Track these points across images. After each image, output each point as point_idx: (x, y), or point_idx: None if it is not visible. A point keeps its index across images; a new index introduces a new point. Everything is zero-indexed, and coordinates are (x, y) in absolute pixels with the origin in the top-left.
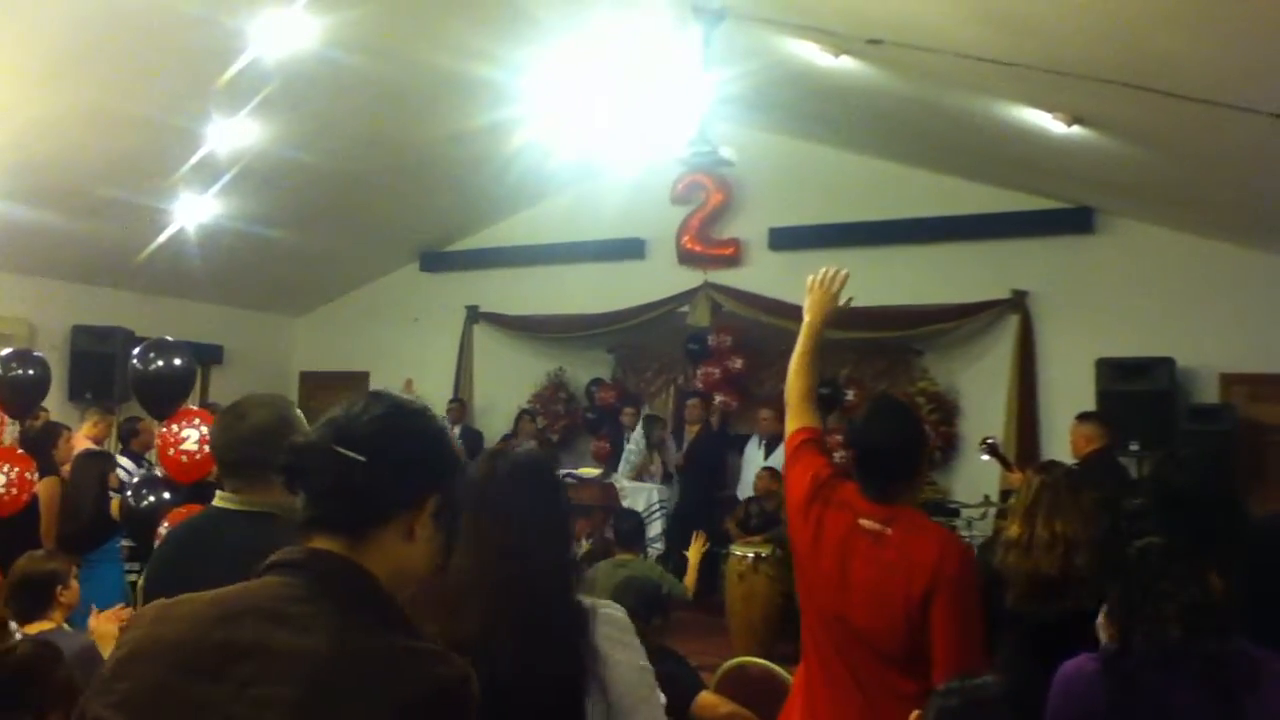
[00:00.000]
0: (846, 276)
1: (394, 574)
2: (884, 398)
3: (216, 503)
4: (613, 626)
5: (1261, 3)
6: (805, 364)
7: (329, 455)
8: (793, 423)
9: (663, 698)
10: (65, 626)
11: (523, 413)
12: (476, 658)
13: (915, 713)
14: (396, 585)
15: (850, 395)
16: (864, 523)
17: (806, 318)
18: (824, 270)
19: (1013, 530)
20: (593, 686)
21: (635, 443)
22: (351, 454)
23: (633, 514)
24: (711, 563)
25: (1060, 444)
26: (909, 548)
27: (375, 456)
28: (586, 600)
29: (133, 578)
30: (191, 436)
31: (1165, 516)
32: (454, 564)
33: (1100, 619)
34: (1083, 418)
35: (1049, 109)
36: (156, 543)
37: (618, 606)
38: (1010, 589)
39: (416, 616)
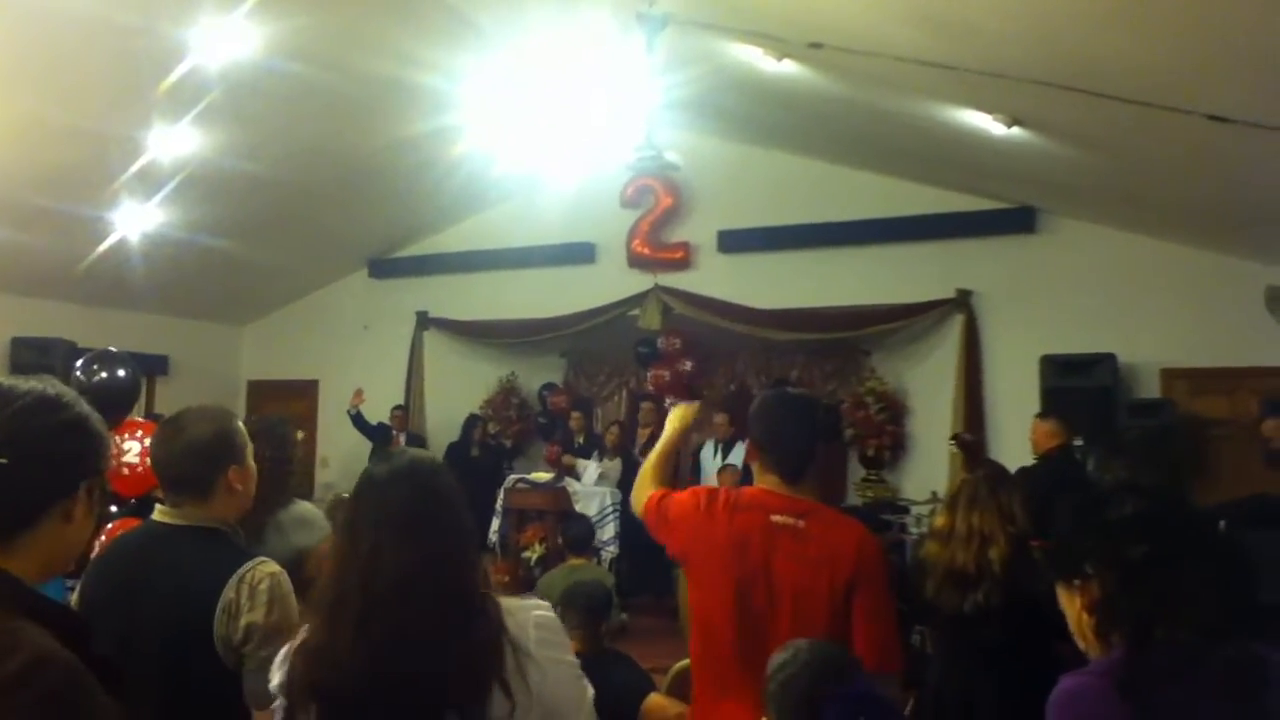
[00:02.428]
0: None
1: (50, 560)
2: (778, 391)
3: (156, 517)
4: (541, 628)
5: (1196, 7)
6: (662, 463)
7: None
8: (646, 491)
9: (591, 691)
10: None
11: (471, 418)
12: (343, 665)
13: None
14: (58, 566)
15: None
16: (776, 519)
17: (668, 428)
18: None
19: (939, 521)
20: (518, 688)
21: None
22: None
23: (582, 519)
24: (665, 566)
25: (1006, 440)
26: (829, 540)
27: (16, 458)
28: (508, 601)
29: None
30: (134, 449)
31: (1165, 524)
32: (329, 572)
33: (1076, 627)
34: (1043, 415)
35: (989, 110)
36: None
37: (546, 606)
38: (930, 579)
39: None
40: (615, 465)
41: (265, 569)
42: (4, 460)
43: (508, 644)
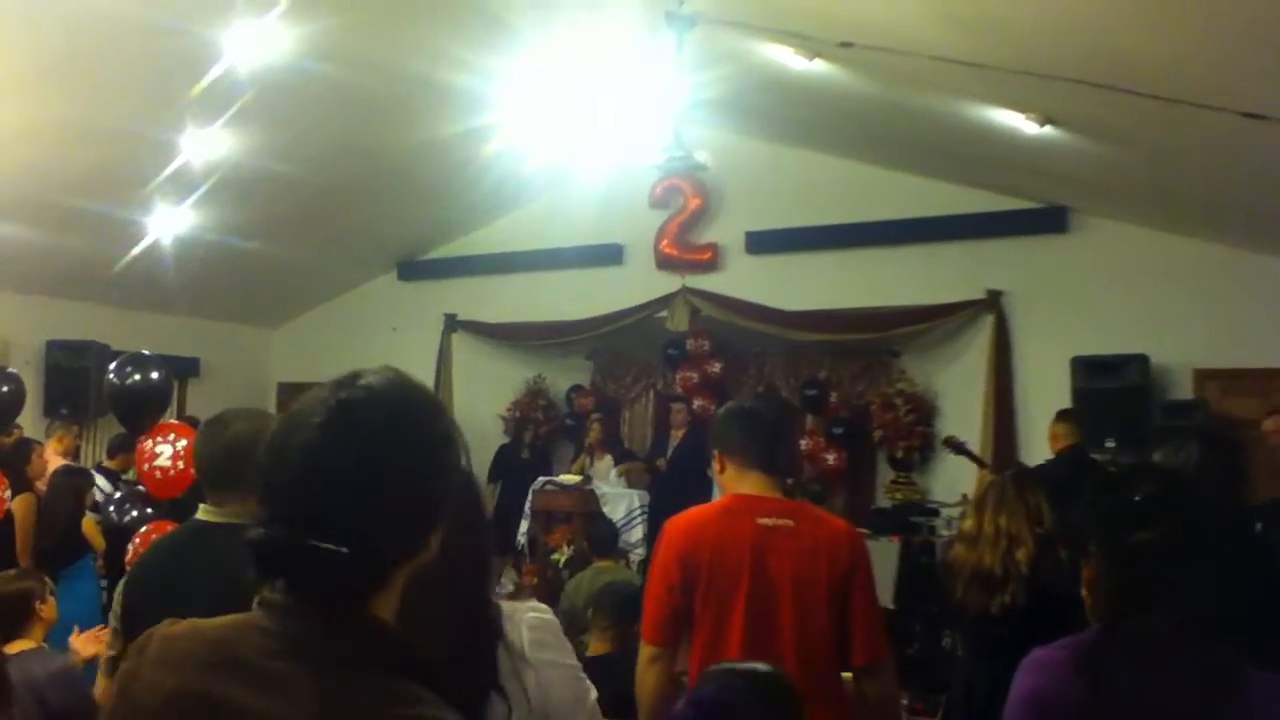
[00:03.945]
0: None
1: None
2: (737, 403)
3: (200, 515)
4: (538, 631)
5: (1227, 2)
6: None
7: (301, 550)
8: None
9: (594, 693)
10: (45, 645)
11: (522, 420)
12: None
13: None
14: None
15: (833, 398)
16: (763, 520)
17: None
18: None
19: (967, 524)
20: (514, 692)
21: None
22: (329, 545)
23: (605, 521)
24: None
25: (1038, 442)
26: (821, 534)
27: (359, 538)
28: (505, 605)
29: (107, 596)
30: (165, 452)
31: (1171, 512)
32: None
33: (1086, 603)
34: (1058, 416)
35: (1020, 109)
36: (127, 558)
37: (543, 609)
38: (958, 581)
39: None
40: (637, 467)
41: None
42: (343, 550)
43: (502, 648)
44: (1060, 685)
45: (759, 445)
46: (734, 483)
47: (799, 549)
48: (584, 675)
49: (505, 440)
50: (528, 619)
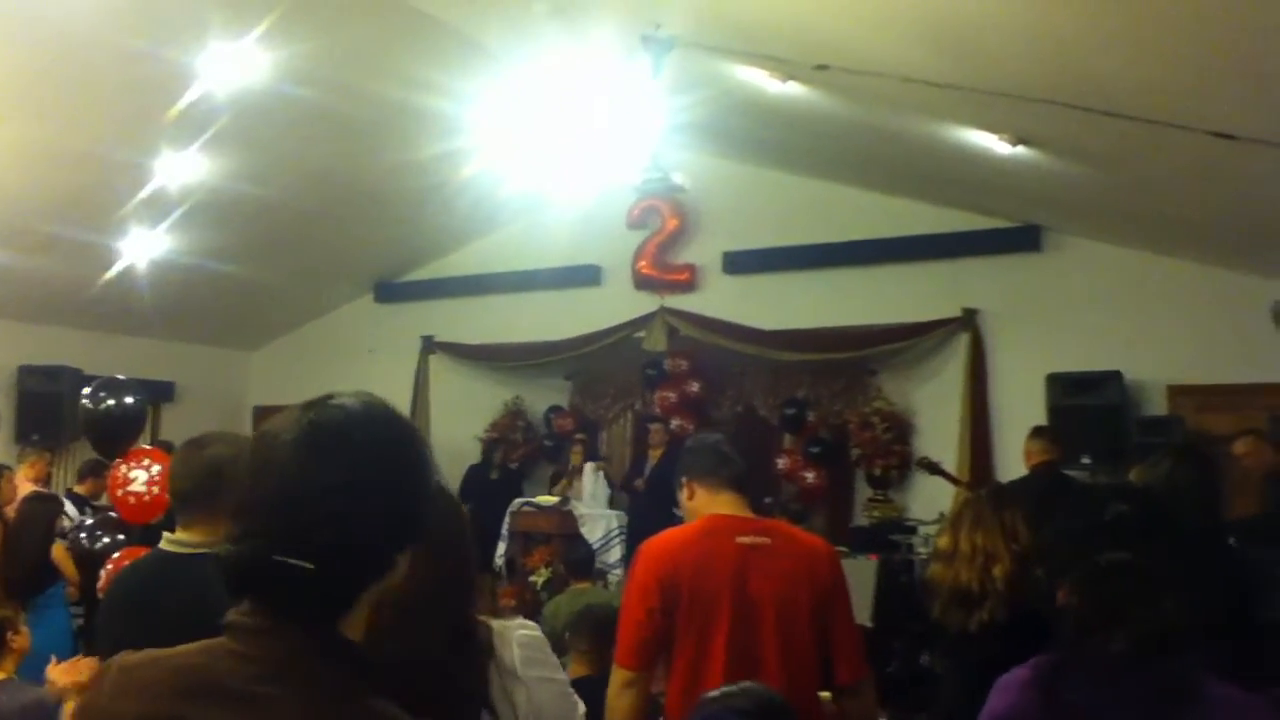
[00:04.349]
0: None
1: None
2: (704, 434)
3: (164, 546)
4: (528, 648)
5: (1198, 26)
6: None
7: (268, 567)
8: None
9: (582, 708)
10: (16, 677)
11: (492, 441)
12: None
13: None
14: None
15: (811, 417)
16: (742, 539)
17: None
18: None
19: (942, 542)
20: (503, 710)
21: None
22: (297, 562)
23: (582, 543)
24: None
25: (1014, 459)
26: (800, 553)
27: (326, 556)
28: (495, 623)
29: (79, 621)
30: (140, 477)
31: (1143, 531)
32: None
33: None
34: (1032, 433)
35: (993, 130)
36: (99, 585)
37: (532, 626)
38: (935, 599)
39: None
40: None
41: None
42: (309, 566)
43: (493, 667)
44: (1023, 705)
45: (727, 466)
46: (706, 506)
47: (780, 568)
48: (572, 691)
49: (476, 460)
50: (518, 636)
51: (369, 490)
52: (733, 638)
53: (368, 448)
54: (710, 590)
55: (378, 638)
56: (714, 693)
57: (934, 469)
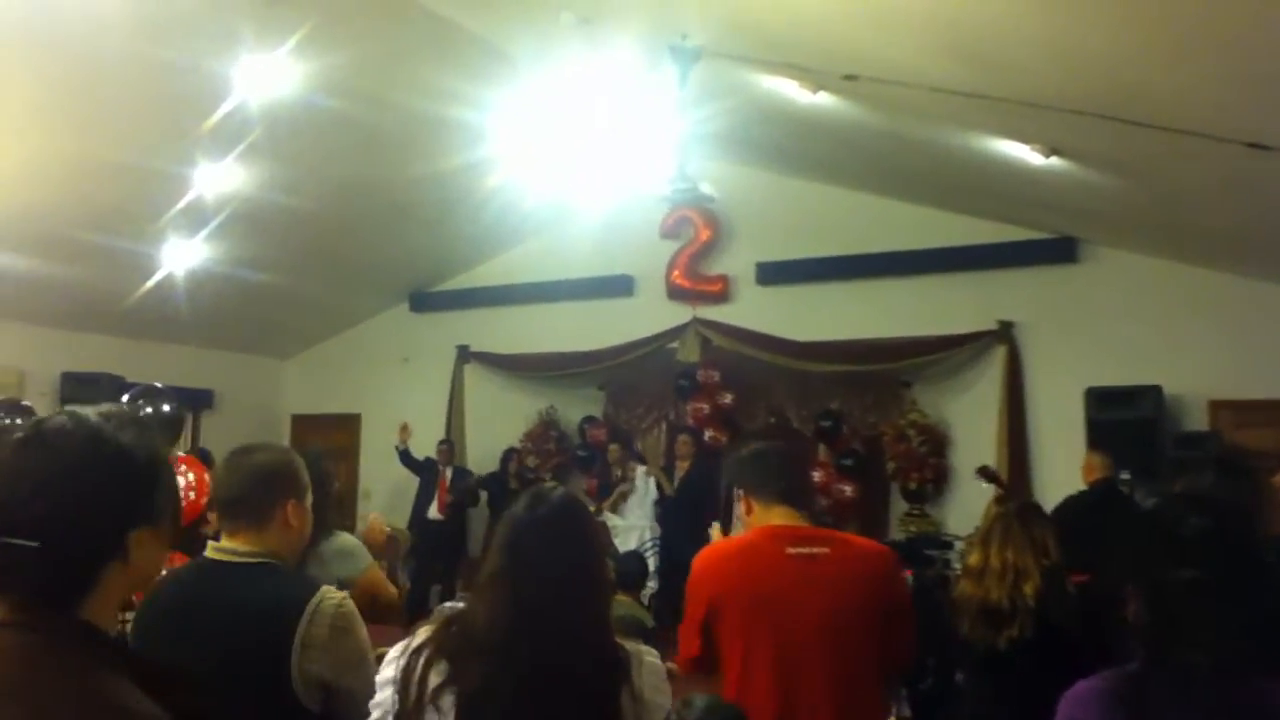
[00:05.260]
0: None
1: (123, 593)
2: (757, 441)
3: (210, 554)
4: (654, 674)
5: (1231, 35)
6: None
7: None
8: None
9: None
10: None
11: (508, 451)
12: (481, 707)
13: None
14: (133, 592)
15: (844, 429)
16: (795, 550)
17: None
18: None
19: (972, 559)
20: None
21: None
22: (19, 541)
23: (637, 557)
24: None
25: (1051, 473)
26: (860, 560)
27: (48, 534)
28: (626, 645)
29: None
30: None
31: (1221, 547)
32: (470, 610)
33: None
34: (1090, 447)
35: (1026, 140)
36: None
37: (654, 654)
38: (964, 617)
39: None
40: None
41: (333, 598)
42: (33, 545)
43: (627, 693)
44: (1097, 717)
45: (779, 478)
46: (761, 518)
47: (835, 579)
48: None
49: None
50: (646, 663)
51: (83, 476)
52: (780, 651)
53: (82, 443)
54: (756, 603)
55: (523, 667)
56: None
57: (994, 479)
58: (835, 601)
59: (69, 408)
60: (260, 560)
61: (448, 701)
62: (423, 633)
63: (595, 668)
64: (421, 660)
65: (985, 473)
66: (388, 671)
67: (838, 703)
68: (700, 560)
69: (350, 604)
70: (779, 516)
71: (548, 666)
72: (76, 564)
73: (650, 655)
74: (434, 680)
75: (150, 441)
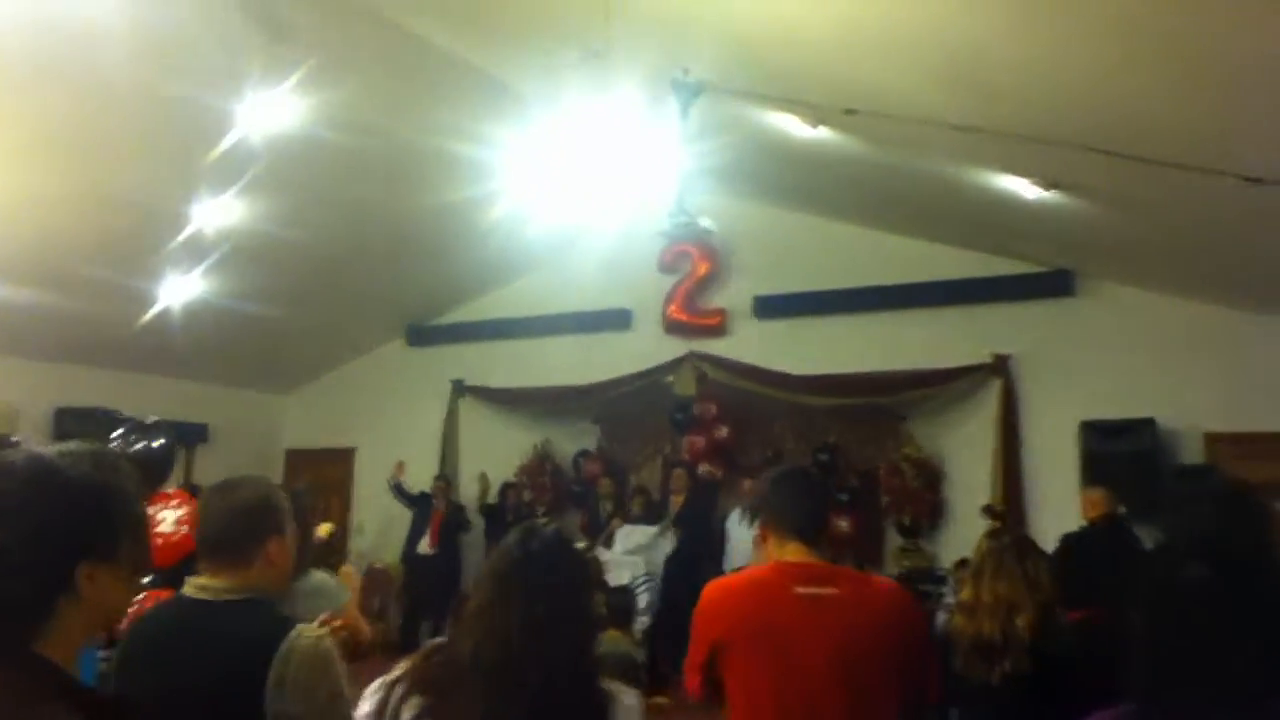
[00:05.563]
0: None
1: (84, 630)
2: (786, 467)
3: (189, 592)
4: (633, 714)
5: (1228, 71)
6: None
7: None
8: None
9: None
10: None
11: (506, 485)
12: None
13: None
14: (100, 628)
15: (840, 464)
16: (803, 590)
17: None
18: None
19: (965, 594)
20: None
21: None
22: None
23: (626, 593)
24: None
25: (1046, 507)
26: (872, 600)
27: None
28: (606, 686)
29: (104, 666)
30: (168, 518)
31: (1225, 591)
32: (455, 643)
33: None
34: (1089, 484)
35: (1024, 174)
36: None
37: (633, 694)
38: (958, 652)
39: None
40: (649, 532)
41: (309, 636)
42: None
43: None
44: None
45: (796, 512)
46: (776, 552)
47: (844, 620)
48: None
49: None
50: (624, 704)
51: (22, 514)
52: (786, 694)
53: (22, 485)
54: (760, 643)
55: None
56: None
57: (998, 517)
58: (846, 644)
59: (26, 444)
60: (238, 598)
61: None
62: (401, 666)
63: (577, 706)
64: (397, 694)
65: (990, 511)
66: (365, 706)
67: None
68: (707, 595)
69: (327, 642)
70: (792, 553)
71: (530, 702)
72: (21, 598)
73: (629, 696)
74: (408, 714)
75: (108, 477)
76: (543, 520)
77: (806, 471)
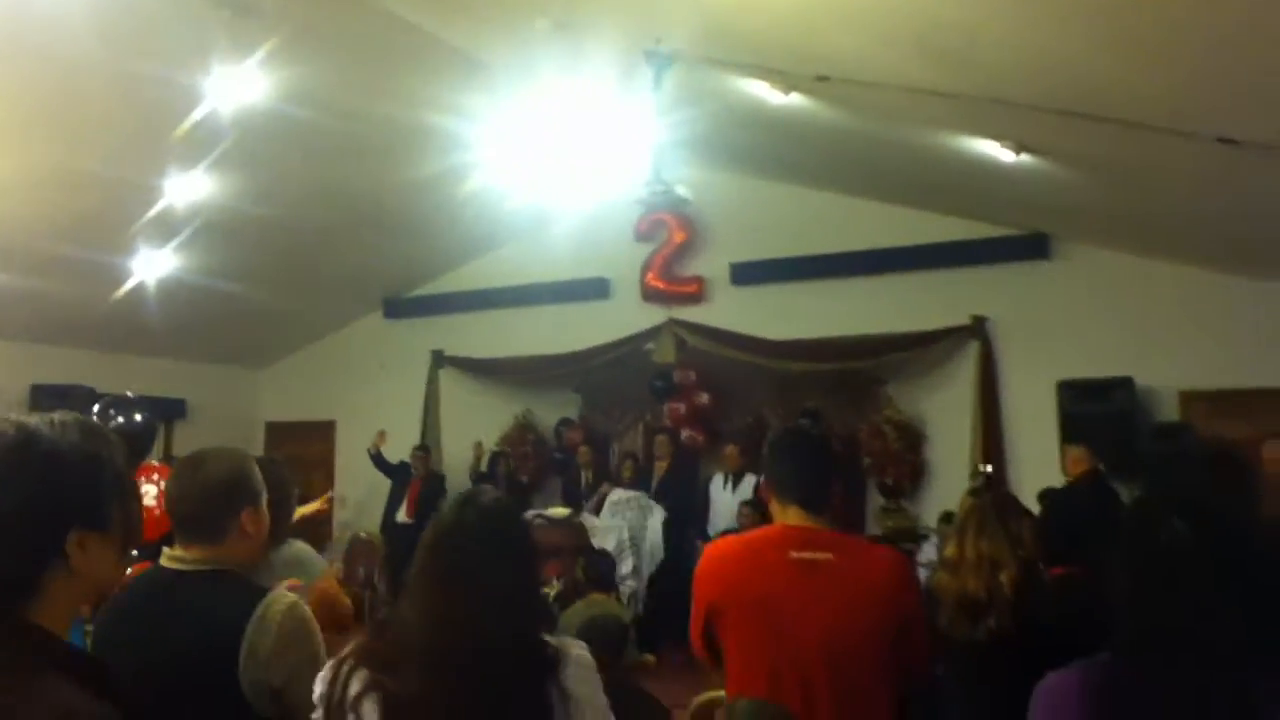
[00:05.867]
0: None
1: (75, 600)
2: (792, 427)
3: (164, 562)
4: (580, 667)
5: (1197, 31)
6: None
7: None
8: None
9: None
10: None
11: (495, 455)
12: (420, 713)
13: None
14: (91, 599)
15: (822, 428)
16: (798, 555)
17: None
18: None
19: (949, 550)
20: None
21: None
22: None
23: (605, 556)
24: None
25: (1026, 466)
26: (867, 568)
27: None
28: (554, 641)
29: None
30: (150, 492)
31: (1208, 550)
32: (400, 616)
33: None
34: (1072, 441)
35: (996, 138)
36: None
37: (584, 646)
38: (942, 610)
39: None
40: (636, 496)
41: (281, 603)
42: None
43: (553, 687)
44: (1068, 707)
45: (795, 478)
46: (779, 515)
47: (837, 585)
48: (611, 715)
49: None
50: (574, 655)
51: (10, 476)
52: (780, 659)
53: (12, 456)
54: (753, 608)
55: (438, 659)
56: None
57: (990, 481)
58: (839, 612)
59: (15, 415)
60: (211, 568)
61: (368, 708)
62: (351, 643)
63: (520, 668)
64: (345, 669)
65: (986, 476)
66: (319, 688)
67: (842, 715)
68: (705, 558)
69: (302, 609)
70: (792, 516)
71: (472, 668)
72: (12, 566)
73: (579, 649)
74: (355, 688)
75: (96, 446)
76: (483, 487)
77: (809, 434)
